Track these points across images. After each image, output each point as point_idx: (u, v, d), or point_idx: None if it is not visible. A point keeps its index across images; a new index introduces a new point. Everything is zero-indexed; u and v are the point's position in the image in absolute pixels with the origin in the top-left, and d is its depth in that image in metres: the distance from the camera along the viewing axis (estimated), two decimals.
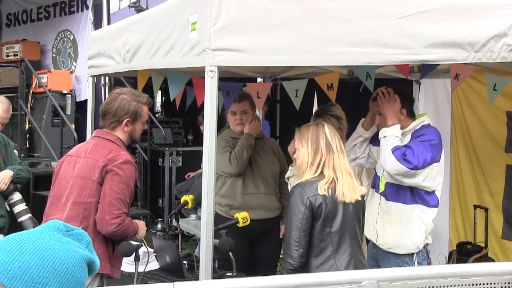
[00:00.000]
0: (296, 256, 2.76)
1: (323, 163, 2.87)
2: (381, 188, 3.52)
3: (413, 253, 3.39)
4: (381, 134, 3.38)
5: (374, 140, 3.64)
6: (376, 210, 3.53)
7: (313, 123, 3.05)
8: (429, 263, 3.52)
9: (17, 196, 3.92)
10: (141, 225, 3.11)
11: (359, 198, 2.89)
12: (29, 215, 3.86)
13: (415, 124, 3.47)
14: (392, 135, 3.31)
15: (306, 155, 2.91)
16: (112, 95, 3.18)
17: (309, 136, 2.92)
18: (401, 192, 3.40)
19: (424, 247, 3.41)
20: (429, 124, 3.51)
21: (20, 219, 3.82)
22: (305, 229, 2.77)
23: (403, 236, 3.39)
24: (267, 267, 3.92)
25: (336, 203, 2.82)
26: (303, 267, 2.79)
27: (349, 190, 2.85)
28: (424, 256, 3.44)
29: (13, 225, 3.99)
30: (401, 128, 3.44)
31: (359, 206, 2.93)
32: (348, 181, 2.87)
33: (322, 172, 2.87)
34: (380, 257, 3.51)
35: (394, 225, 3.43)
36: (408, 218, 3.39)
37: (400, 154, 3.23)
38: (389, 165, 3.24)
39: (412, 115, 3.52)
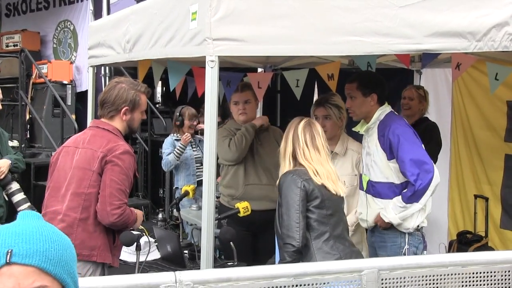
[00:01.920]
0: (299, 237, 2.79)
1: (294, 155, 2.95)
2: (364, 186, 3.55)
3: (405, 233, 3.42)
4: (390, 221, 3.39)
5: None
6: (364, 207, 3.55)
7: (296, 117, 3.09)
8: (425, 246, 3.55)
9: (15, 185, 3.91)
10: (139, 213, 3.13)
11: (342, 195, 2.99)
12: (28, 204, 3.85)
13: (378, 115, 3.48)
14: (394, 216, 3.36)
15: (280, 148, 3.01)
16: (110, 84, 3.18)
17: (285, 131, 3.02)
18: (385, 190, 3.43)
19: (419, 230, 3.44)
20: (391, 111, 3.53)
21: (19, 209, 3.82)
22: (303, 210, 2.83)
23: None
24: (269, 257, 3.93)
25: (329, 191, 2.91)
26: (303, 248, 2.84)
27: (331, 183, 2.93)
28: (420, 239, 3.46)
29: (12, 215, 3.99)
30: (368, 115, 3.50)
31: (343, 201, 3.06)
32: (327, 174, 2.93)
33: (296, 163, 2.94)
34: (376, 240, 3.54)
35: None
36: None
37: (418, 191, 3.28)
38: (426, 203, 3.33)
39: (381, 101, 3.53)
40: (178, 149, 5.72)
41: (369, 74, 3.71)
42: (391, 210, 3.36)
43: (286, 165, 2.96)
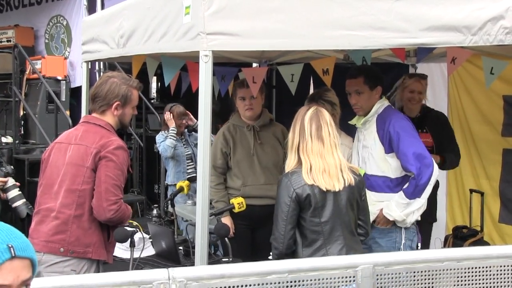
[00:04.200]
0: (282, 247, 2.79)
1: (298, 147, 2.86)
2: None
3: (401, 228, 3.44)
4: (395, 219, 3.41)
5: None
6: None
7: (304, 106, 3.04)
8: (419, 238, 3.57)
9: (10, 181, 3.88)
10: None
11: (340, 189, 2.81)
12: (23, 200, 3.82)
13: (376, 108, 3.50)
14: (399, 214, 3.37)
15: (288, 139, 2.93)
16: (102, 78, 3.16)
17: (293, 120, 2.93)
18: (379, 183, 3.44)
19: (413, 224, 3.46)
20: (389, 105, 3.56)
21: (14, 205, 3.78)
22: (291, 221, 2.78)
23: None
24: (267, 251, 3.93)
25: (325, 192, 2.79)
26: (291, 255, 2.81)
27: (326, 178, 2.79)
28: (414, 233, 3.50)
29: (8, 213, 3.96)
30: (367, 109, 3.50)
31: (353, 192, 2.87)
32: (324, 168, 2.80)
33: (299, 157, 2.85)
34: (372, 236, 3.54)
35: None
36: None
37: (419, 186, 3.30)
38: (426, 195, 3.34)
39: (380, 95, 3.56)
40: (171, 132, 5.75)
41: (372, 67, 3.70)
42: (395, 208, 3.36)
43: (292, 159, 2.88)
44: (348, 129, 3.92)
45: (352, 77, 3.54)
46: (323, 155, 2.83)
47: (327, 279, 2.17)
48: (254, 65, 5.51)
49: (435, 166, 3.32)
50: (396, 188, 3.42)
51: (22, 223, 3.68)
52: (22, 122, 7.88)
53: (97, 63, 7.11)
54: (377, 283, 2.23)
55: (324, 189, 2.79)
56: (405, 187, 3.37)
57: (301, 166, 2.83)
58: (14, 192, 3.82)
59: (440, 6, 2.76)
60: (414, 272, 2.28)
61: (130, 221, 3.14)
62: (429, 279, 2.30)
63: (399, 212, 3.36)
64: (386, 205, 3.40)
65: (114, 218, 2.91)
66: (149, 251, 3.65)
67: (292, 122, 2.93)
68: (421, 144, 3.37)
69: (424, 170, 3.28)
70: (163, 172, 7.15)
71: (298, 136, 2.87)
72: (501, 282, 2.40)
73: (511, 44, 2.90)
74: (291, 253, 2.82)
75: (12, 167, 4.05)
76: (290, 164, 2.89)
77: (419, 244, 3.63)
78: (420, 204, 3.34)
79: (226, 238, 3.36)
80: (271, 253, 2.96)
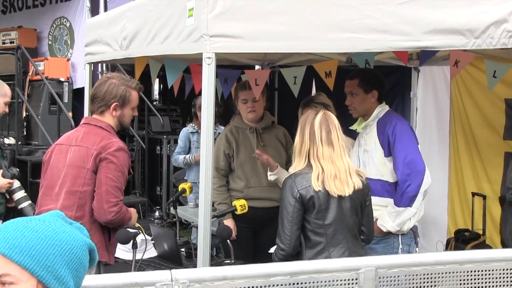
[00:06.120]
0: (288, 248, 2.78)
1: (308, 152, 2.84)
2: None
3: (398, 234, 3.43)
4: (389, 230, 3.41)
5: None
6: None
7: (311, 110, 3.02)
8: (416, 243, 3.57)
9: (16, 183, 3.90)
10: (133, 212, 3.12)
11: (350, 193, 2.81)
12: (29, 202, 3.83)
13: (377, 112, 3.51)
14: (392, 224, 3.36)
15: (296, 143, 2.91)
16: (101, 79, 3.17)
17: (300, 124, 2.92)
18: (378, 187, 3.42)
19: (411, 229, 3.45)
20: (389, 110, 3.57)
21: (20, 206, 3.80)
22: (296, 222, 2.78)
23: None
24: (269, 254, 3.93)
25: (329, 196, 2.79)
26: (295, 256, 2.81)
27: (337, 183, 2.79)
28: (411, 237, 3.49)
29: (10, 213, 3.97)
30: (368, 113, 3.51)
31: (358, 197, 2.87)
32: (335, 173, 2.80)
33: (309, 162, 2.84)
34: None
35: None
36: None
37: (412, 193, 3.29)
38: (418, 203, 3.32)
39: (380, 99, 3.56)
40: (188, 160, 5.65)
41: (370, 71, 3.72)
42: (388, 218, 3.36)
43: (301, 164, 2.85)
44: (347, 131, 3.92)
45: (349, 78, 3.58)
46: (334, 160, 2.82)
47: (330, 281, 2.18)
48: (257, 67, 5.52)
49: (427, 174, 3.28)
50: (395, 193, 3.41)
51: None
52: (25, 123, 7.89)
53: (99, 64, 7.13)
54: (380, 286, 2.23)
55: (335, 195, 2.78)
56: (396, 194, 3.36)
57: (309, 169, 2.82)
58: (20, 194, 3.84)
59: (443, 10, 2.76)
60: (417, 275, 2.28)
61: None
62: (431, 282, 2.30)
63: (392, 222, 3.34)
64: (380, 215, 3.38)
65: (115, 220, 2.91)
66: (151, 252, 3.65)
67: (299, 127, 2.91)
68: (416, 151, 3.33)
69: (413, 177, 3.25)
70: (165, 174, 7.15)
71: (308, 141, 2.84)
72: (503, 285, 2.40)
73: None
74: (296, 255, 2.82)
75: (17, 169, 4.07)
76: (297, 167, 2.87)
77: (417, 250, 3.62)
78: (412, 213, 3.31)
79: (228, 240, 3.36)
80: (273, 250, 2.95)
